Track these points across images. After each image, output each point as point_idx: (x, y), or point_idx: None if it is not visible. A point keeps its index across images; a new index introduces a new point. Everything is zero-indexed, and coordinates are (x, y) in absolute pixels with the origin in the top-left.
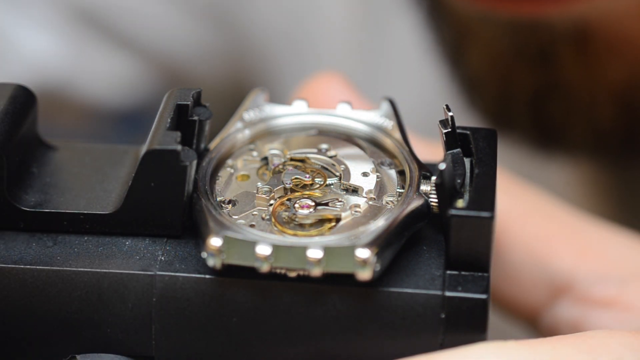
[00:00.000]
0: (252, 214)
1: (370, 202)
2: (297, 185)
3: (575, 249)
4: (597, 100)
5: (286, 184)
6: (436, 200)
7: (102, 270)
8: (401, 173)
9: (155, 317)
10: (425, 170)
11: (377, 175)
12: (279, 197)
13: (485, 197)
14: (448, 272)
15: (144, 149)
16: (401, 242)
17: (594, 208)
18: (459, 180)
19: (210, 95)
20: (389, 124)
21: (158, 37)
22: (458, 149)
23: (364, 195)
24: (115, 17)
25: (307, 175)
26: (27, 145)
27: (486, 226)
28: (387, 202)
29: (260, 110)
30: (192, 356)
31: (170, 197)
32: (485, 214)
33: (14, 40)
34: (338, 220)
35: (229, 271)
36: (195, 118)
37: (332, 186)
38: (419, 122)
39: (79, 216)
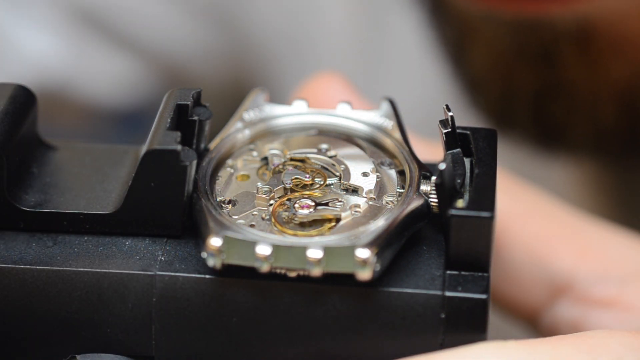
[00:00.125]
0: (252, 214)
1: (370, 202)
2: (297, 185)
3: (575, 249)
4: (600, 100)
5: (286, 184)
6: (436, 200)
7: (102, 270)
8: (401, 173)
9: (155, 317)
10: (425, 170)
11: (377, 175)
12: (279, 197)
13: (485, 197)
14: (448, 272)
15: (144, 149)
16: (401, 242)
17: (595, 208)
18: (459, 180)
19: (210, 95)
20: (389, 124)
21: (158, 37)
22: (458, 149)
23: (364, 195)
24: (116, 17)
25: (307, 175)
26: (27, 145)
27: (486, 226)
28: (387, 202)
29: (260, 110)
30: (192, 356)
31: (170, 197)
32: (485, 214)
33: (14, 40)
34: (338, 220)
35: (229, 271)
36: (195, 118)
37: (332, 186)
38: (421, 121)
39: (79, 216)
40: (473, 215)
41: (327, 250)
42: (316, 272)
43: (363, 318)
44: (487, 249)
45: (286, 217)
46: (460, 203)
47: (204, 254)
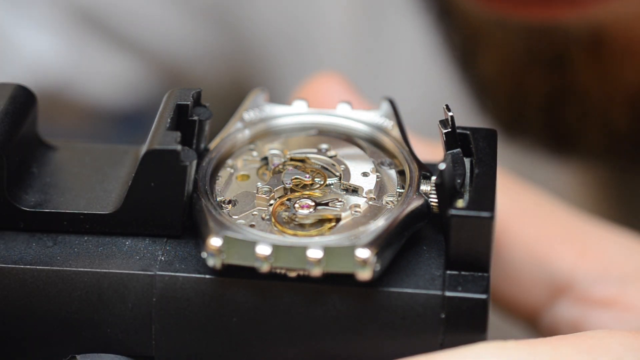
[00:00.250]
0: (252, 214)
1: (370, 202)
2: (297, 185)
3: (575, 249)
4: (611, 105)
5: (286, 184)
6: (436, 200)
7: (102, 270)
8: (401, 173)
9: (155, 317)
10: (425, 170)
11: (377, 175)
12: (279, 197)
13: (485, 197)
14: (448, 272)
15: (144, 149)
16: (401, 242)
17: (607, 212)
18: (459, 180)
19: (210, 95)
20: (389, 124)
21: (158, 38)
22: (458, 149)
23: (364, 195)
24: (116, 18)
25: (307, 175)
26: (27, 145)
27: (486, 226)
28: (387, 202)
29: (260, 110)
30: (192, 356)
31: (170, 197)
32: (485, 214)
33: (14, 40)
34: (338, 220)
35: (229, 271)
36: (195, 118)
37: (332, 186)
38: (422, 123)
39: (79, 216)
40: (473, 215)
41: (327, 250)
42: (316, 272)
43: (363, 318)
44: (487, 249)
45: (286, 217)
46: (460, 203)
47: (204, 254)
